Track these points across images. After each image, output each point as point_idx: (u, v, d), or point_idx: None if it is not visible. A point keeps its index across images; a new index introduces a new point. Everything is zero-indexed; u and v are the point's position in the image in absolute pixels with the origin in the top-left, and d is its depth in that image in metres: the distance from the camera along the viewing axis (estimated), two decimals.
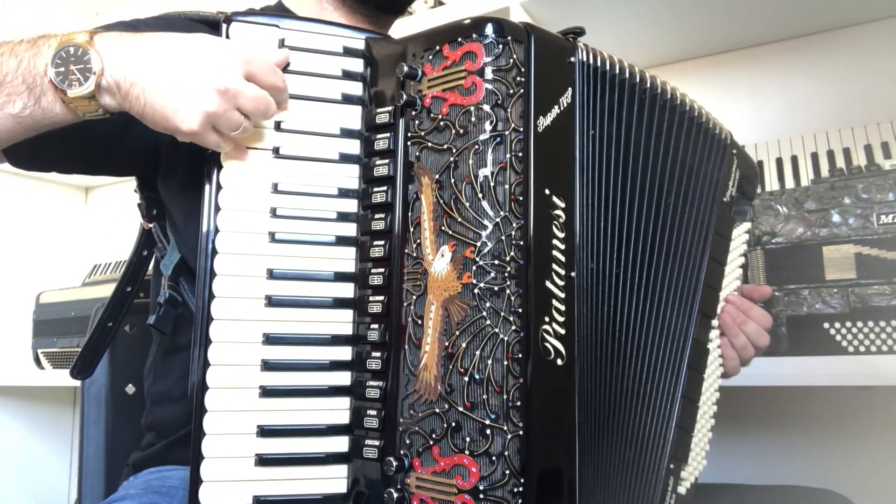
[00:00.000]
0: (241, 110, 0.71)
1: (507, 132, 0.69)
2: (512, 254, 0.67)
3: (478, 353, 0.66)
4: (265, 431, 0.72)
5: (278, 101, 0.75)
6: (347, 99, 0.79)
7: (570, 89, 0.75)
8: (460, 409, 0.66)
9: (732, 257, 0.96)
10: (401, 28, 1.46)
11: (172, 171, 0.91)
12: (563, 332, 0.69)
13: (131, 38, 0.72)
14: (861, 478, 1.39)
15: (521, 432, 0.65)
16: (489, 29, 0.70)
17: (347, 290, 0.77)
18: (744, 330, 0.94)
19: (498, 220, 0.68)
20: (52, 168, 0.90)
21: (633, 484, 0.81)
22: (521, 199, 0.68)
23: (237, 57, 0.72)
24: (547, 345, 0.68)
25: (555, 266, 0.70)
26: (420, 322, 0.70)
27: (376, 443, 0.71)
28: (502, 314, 0.66)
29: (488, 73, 0.69)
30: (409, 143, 0.74)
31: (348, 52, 0.79)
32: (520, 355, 0.66)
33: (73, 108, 0.71)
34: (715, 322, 0.93)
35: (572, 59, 0.76)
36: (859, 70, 1.53)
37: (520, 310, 0.67)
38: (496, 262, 0.67)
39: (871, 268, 1.14)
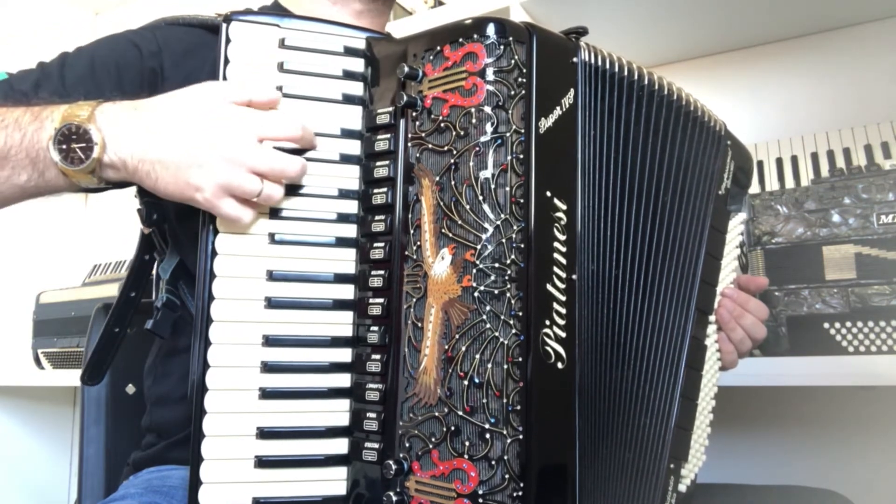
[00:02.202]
0: (256, 173, 0.71)
1: (508, 134, 0.68)
2: (512, 257, 0.67)
3: (477, 356, 0.66)
4: (265, 433, 0.72)
5: (306, 141, 0.74)
6: (348, 99, 0.78)
7: (572, 90, 0.74)
8: (460, 412, 0.66)
9: (728, 249, 0.96)
10: (401, 28, 1.46)
11: None
12: (563, 335, 0.69)
13: (133, 109, 0.73)
14: (861, 478, 1.39)
15: (520, 436, 0.64)
16: (490, 29, 0.70)
17: (347, 292, 0.76)
18: (741, 324, 0.94)
19: (498, 222, 0.67)
20: None
21: (634, 486, 0.81)
22: (521, 201, 0.68)
23: (243, 121, 0.71)
24: (547, 348, 0.68)
25: (556, 269, 0.70)
26: (420, 325, 0.70)
27: (376, 445, 0.71)
28: (502, 317, 0.66)
29: (489, 74, 0.69)
30: (409, 144, 0.73)
31: (349, 51, 0.79)
32: (520, 359, 0.66)
33: (75, 182, 0.73)
34: (712, 317, 0.93)
35: (574, 59, 0.75)
36: (859, 70, 1.53)
37: (520, 313, 0.66)
38: (496, 264, 0.67)
39: (871, 268, 1.14)
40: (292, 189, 0.76)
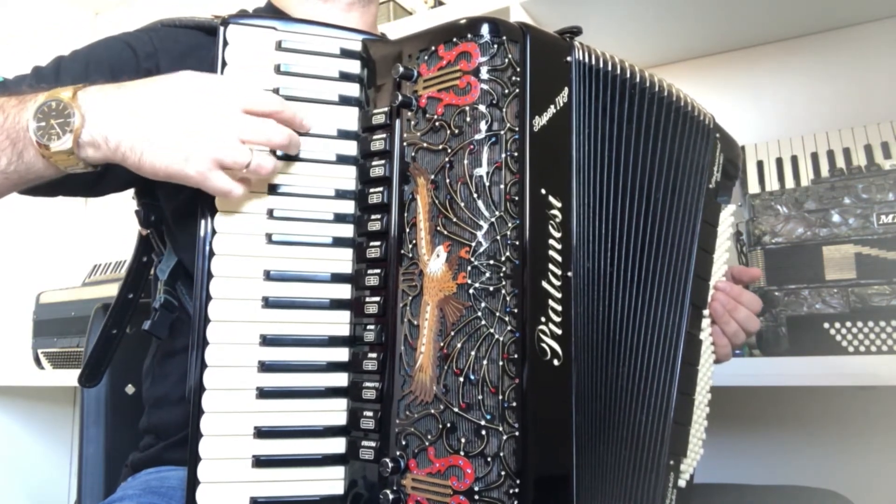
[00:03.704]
0: (244, 142, 0.71)
1: (502, 132, 0.69)
2: (507, 254, 0.67)
3: (473, 353, 0.66)
4: (262, 433, 0.72)
5: (287, 117, 0.74)
6: (344, 100, 0.79)
7: (566, 88, 0.75)
8: (455, 409, 0.66)
9: (720, 242, 0.96)
10: (401, 28, 1.46)
11: None
12: (559, 332, 0.69)
13: (117, 90, 0.72)
14: (861, 478, 1.39)
15: (516, 433, 0.65)
16: (484, 29, 0.70)
17: (344, 292, 0.77)
18: (735, 317, 0.94)
19: (493, 220, 0.68)
20: (57, 194, 0.90)
21: (633, 483, 0.81)
22: (516, 198, 0.68)
23: (227, 93, 0.71)
24: (543, 345, 0.68)
25: (551, 266, 0.70)
26: (415, 322, 0.70)
27: (373, 444, 0.71)
28: (497, 314, 0.66)
29: (483, 73, 0.69)
30: (405, 143, 0.73)
31: (345, 53, 0.79)
32: (515, 356, 0.66)
33: (53, 163, 0.72)
34: (706, 311, 0.93)
35: (569, 58, 0.76)
36: (859, 70, 1.53)
37: (515, 310, 0.66)
38: (491, 262, 0.67)
39: (871, 268, 1.14)
40: (290, 189, 0.76)
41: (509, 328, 0.66)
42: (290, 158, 0.76)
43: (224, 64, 0.76)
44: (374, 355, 0.73)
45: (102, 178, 0.88)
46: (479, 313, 0.66)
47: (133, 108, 0.71)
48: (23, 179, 0.74)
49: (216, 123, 0.70)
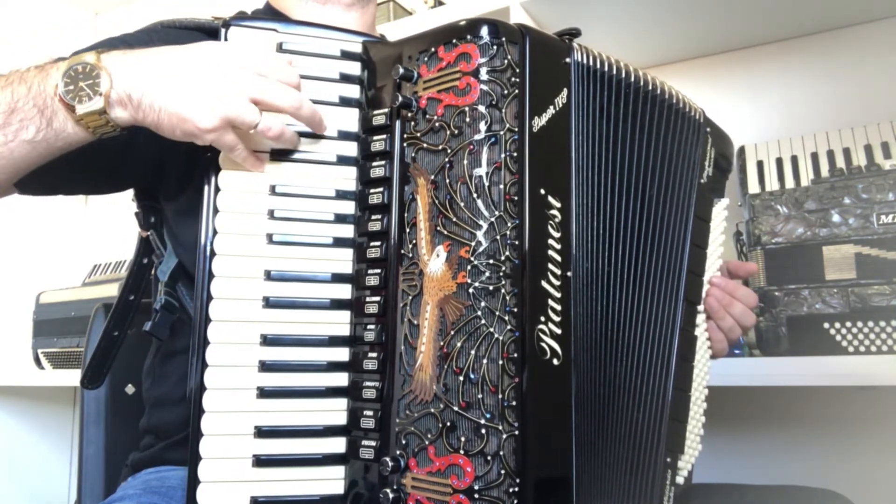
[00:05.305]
0: (256, 103, 0.72)
1: (501, 132, 0.69)
2: (507, 253, 0.68)
3: (473, 352, 0.66)
4: (263, 432, 0.73)
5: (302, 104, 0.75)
6: (345, 102, 0.79)
7: (565, 90, 0.75)
8: (455, 408, 0.66)
9: (713, 237, 0.96)
10: (401, 28, 1.46)
11: (174, 177, 0.91)
12: (559, 331, 0.70)
13: (137, 53, 0.74)
14: (861, 478, 1.39)
15: (516, 432, 0.65)
16: (484, 30, 0.70)
17: (345, 292, 0.77)
18: (730, 312, 0.94)
19: (493, 219, 0.68)
20: (58, 192, 0.90)
21: (632, 481, 0.81)
22: (516, 198, 0.68)
23: (243, 56, 0.73)
24: (543, 345, 0.68)
25: (550, 266, 0.70)
26: (416, 322, 0.70)
27: (373, 443, 0.72)
28: (497, 314, 0.67)
29: (483, 74, 0.69)
30: (405, 144, 0.74)
31: (346, 55, 0.80)
32: (515, 355, 0.66)
33: (84, 125, 0.72)
34: (701, 307, 0.93)
35: (568, 59, 0.76)
36: (859, 70, 1.53)
37: (515, 309, 0.67)
38: (491, 261, 0.67)
39: (871, 268, 1.14)
40: (290, 189, 0.77)
41: (509, 327, 0.66)
42: (290, 160, 0.77)
43: None
44: (374, 355, 0.73)
45: (111, 171, 0.88)
46: (479, 313, 0.67)
47: (153, 68, 0.72)
48: (50, 148, 0.74)
49: (227, 82, 0.71)
